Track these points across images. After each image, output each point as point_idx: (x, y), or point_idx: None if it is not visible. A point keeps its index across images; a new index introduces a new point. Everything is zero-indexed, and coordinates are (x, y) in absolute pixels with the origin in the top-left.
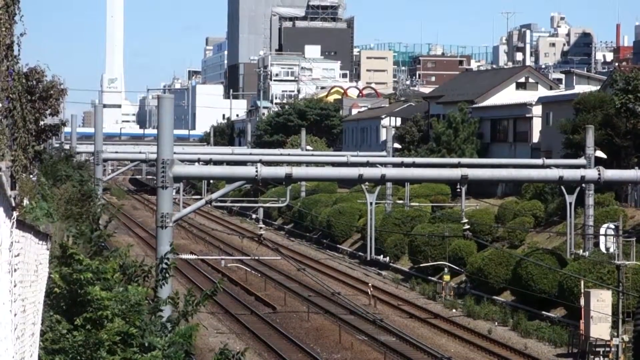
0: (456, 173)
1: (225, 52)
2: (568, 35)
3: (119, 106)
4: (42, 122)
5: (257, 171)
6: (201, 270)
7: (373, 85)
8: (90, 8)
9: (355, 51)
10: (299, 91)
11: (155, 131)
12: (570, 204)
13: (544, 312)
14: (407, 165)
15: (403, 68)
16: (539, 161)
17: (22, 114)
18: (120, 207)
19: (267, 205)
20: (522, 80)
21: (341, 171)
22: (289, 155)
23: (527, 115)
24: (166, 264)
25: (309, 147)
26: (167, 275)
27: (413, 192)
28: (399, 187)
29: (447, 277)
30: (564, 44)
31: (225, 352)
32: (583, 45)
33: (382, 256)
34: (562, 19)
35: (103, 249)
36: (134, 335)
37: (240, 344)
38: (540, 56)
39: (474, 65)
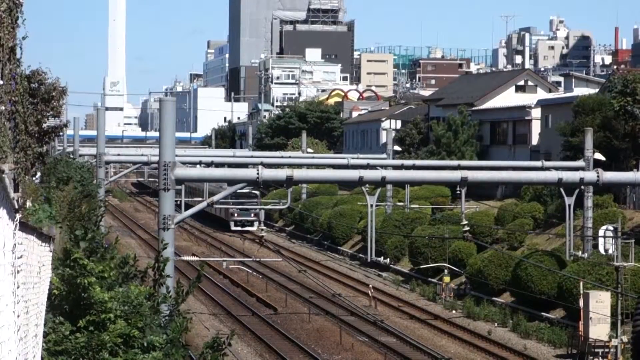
0: (456, 175)
1: (227, 56)
2: (567, 38)
3: (121, 109)
4: (44, 124)
5: (258, 173)
6: (203, 272)
7: (373, 88)
8: (93, 11)
9: (356, 54)
10: (299, 94)
11: (157, 134)
12: (569, 206)
13: (543, 314)
14: (407, 168)
15: (403, 71)
16: (538, 163)
17: (24, 117)
18: (108, 202)
19: (269, 207)
20: (522, 83)
21: (342, 173)
22: (290, 157)
23: (527, 118)
24: (162, 262)
25: (309, 150)
26: (162, 274)
27: (413, 194)
28: (399, 189)
29: (447, 279)
30: (563, 47)
31: (216, 339)
32: (582, 48)
33: (382, 258)
34: (561, 22)
35: (99, 249)
36: (135, 337)
37: (242, 344)
38: (540, 59)
39: (473, 68)
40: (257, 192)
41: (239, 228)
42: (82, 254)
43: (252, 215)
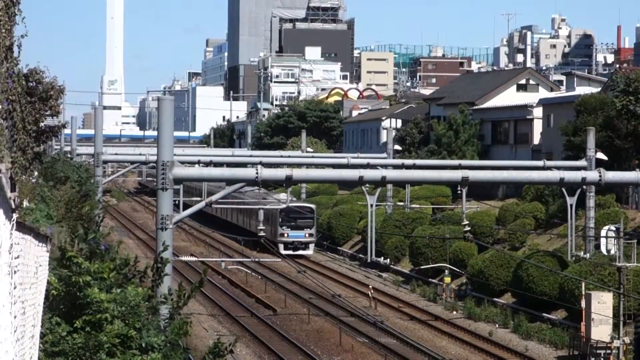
0: (457, 175)
1: (226, 54)
2: (569, 36)
3: (119, 108)
4: (42, 124)
5: (257, 173)
6: (201, 273)
7: (373, 86)
8: (91, 10)
9: (356, 53)
10: (299, 93)
11: (155, 133)
12: (571, 206)
13: (544, 314)
14: (408, 167)
15: (403, 69)
16: (539, 163)
17: (22, 116)
18: (109, 203)
19: (267, 207)
20: (523, 82)
21: (342, 173)
22: (289, 157)
23: (528, 117)
24: (161, 263)
25: (309, 149)
26: (161, 274)
27: (413, 194)
28: (400, 189)
29: (447, 279)
30: (565, 46)
31: (218, 345)
32: (584, 46)
33: (382, 258)
34: (562, 20)
35: (99, 250)
36: (133, 337)
37: (241, 346)
38: (541, 58)
39: (474, 66)
40: (312, 206)
41: (290, 252)
42: (80, 254)
43: (307, 235)
